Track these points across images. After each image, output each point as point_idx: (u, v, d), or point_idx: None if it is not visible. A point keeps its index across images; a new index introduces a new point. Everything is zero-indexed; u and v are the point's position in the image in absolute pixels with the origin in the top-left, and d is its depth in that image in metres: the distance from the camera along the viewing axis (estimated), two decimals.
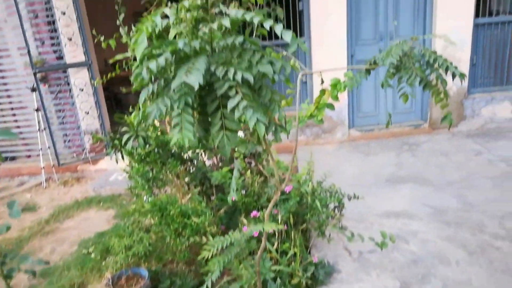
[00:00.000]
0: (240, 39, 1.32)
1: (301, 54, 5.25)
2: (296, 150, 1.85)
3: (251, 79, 1.26)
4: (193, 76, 1.17)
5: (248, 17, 1.29)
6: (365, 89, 5.39)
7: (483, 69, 5.35)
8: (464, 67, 5.06)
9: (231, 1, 1.80)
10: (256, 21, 1.28)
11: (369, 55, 5.25)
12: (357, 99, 5.46)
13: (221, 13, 1.43)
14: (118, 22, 3.32)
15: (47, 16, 4.94)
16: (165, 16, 1.41)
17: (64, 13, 4.85)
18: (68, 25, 4.93)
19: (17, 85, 5.40)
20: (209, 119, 1.37)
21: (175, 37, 1.40)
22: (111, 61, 3.03)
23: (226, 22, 1.28)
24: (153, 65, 1.22)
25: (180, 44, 1.24)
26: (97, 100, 5.30)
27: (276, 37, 5.14)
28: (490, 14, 5.24)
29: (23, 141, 5.62)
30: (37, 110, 5.15)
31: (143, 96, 1.37)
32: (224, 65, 1.28)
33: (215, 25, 1.28)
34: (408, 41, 1.74)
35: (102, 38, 3.37)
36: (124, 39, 3.38)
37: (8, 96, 5.50)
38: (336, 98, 2.69)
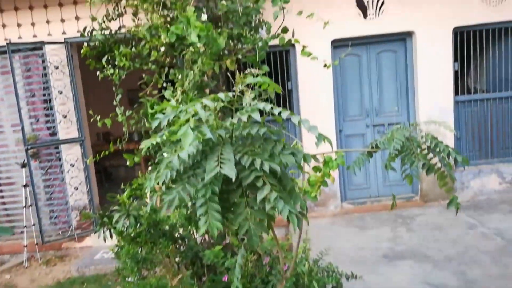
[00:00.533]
0: (263, 129, 1.35)
1: (291, 129, 5.39)
2: (290, 227, 1.81)
3: (278, 169, 1.26)
4: (227, 167, 1.17)
5: (276, 111, 1.33)
6: None
7: (467, 143, 5.53)
8: (449, 141, 5.22)
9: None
10: (284, 115, 1.32)
11: (356, 130, 5.46)
12: (348, 172, 5.51)
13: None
14: (114, 102, 3.43)
15: (44, 94, 5.08)
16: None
17: (61, 92, 4.99)
18: (64, 103, 5.06)
19: (7, 161, 5.37)
20: (231, 207, 1.35)
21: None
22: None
23: (256, 116, 1.31)
24: (184, 154, 1.22)
25: (208, 133, 1.26)
26: (88, 175, 5.25)
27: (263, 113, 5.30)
28: (469, 92, 5.55)
29: (8, 217, 5.44)
30: (26, 186, 5.08)
31: (151, 181, 1.34)
32: (248, 154, 1.29)
33: (245, 117, 1.31)
34: (408, 127, 1.81)
35: (98, 117, 3.44)
36: (119, 118, 3.47)
37: None
38: (328, 175, 2.71)
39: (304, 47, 3.84)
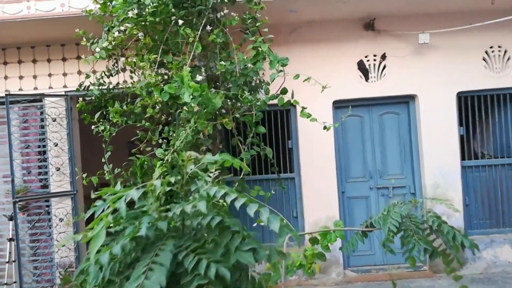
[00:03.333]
0: (217, 219, 1.16)
1: (291, 190, 5.18)
2: None
3: (227, 275, 1.03)
4: (154, 277, 0.95)
5: (228, 199, 1.15)
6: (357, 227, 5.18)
7: (477, 210, 5.25)
8: (458, 207, 4.95)
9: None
10: (238, 205, 1.13)
11: (359, 192, 5.23)
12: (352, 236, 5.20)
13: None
14: (103, 159, 3.30)
15: (39, 146, 4.99)
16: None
17: (56, 144, 4.90)
18: (58, 156, 4.94)
19: None
20: None
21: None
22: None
23: (202, 206, 1.12)
24: (104, 258, 1.01)
25: (142, 230, 1.06)
26: (77, 231, 5.01)
27: (264, 172, 5.14)
28: (476, 157, 5.36)
29: None
30: (11, 239, 4.82)
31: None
32: (195, 252, 1.07)
33: (188, 208, 1.11)
34: (407, 204, 1.61)
35: (84, 175, 3.29)
36: (106, 176, 3.32)
37: None
38: (327, 248, 2.47)
39: (303, 108, 3.75)
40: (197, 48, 2.92)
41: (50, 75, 5.04)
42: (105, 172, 3.27)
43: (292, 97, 3.76)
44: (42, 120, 5.01)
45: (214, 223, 1.12)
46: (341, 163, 5.19)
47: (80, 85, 3.63)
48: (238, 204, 1.11)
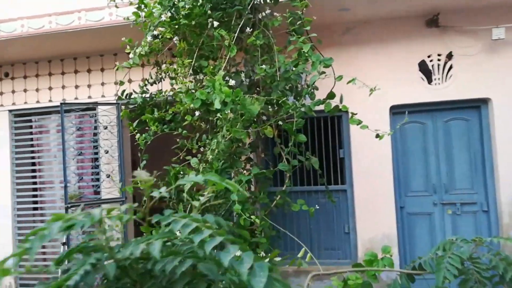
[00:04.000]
0: (187, 263, 0.89)
1: (342, 203, 4.78)
2: None
3: None
4: None
5: (197, 238, 0.88)
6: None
7: None
8: None
9: None
10: (208, 248, 0.87)
11: (421, 208, 4.68)
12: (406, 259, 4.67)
13: None
14: (138, 169, 3.22)
15: (92, 153, 5.12)
16: None
17: (107, 152, 4.99)
18: (109, 163, 5.03)
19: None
20: None
21: None
22: None
23: (155, 249, 0.86)
24: None
25: (74, 278, 0.84)
26: (125, 236, 5.05)
27: (313, 183, 4.81)
28: None
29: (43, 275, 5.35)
30: (64, 244, 4.99)
31: None
32: None
33: (137, 250, 0.86)
34: (470, 244, 1.25)
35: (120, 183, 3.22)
36: (141, 186, 3.23)
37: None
38: (374, 278, 2.12)
39: (352, 114, 3.39)
40: (231, 51, 2.72)
41: (103, 84, 5.17)
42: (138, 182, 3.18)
43: (341, 102, 3.42)
44: (95, 128, 5.15)
45: (181, 269, 0.86)
46: (400, 175, 4.70)
47: (123, 93, 3.62)
48: (208, 247, 0.84)
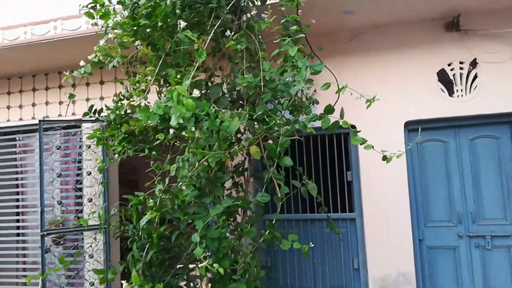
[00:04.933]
0: None
1: (351, 234, 4.14)
2: None
3: None
4: None
5: None
6: None
7: None
8: None
9: None
10: None
11: (444, 241, 3.97)
12: None
13: None
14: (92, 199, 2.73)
15: (77, 175, 4.70)
16: None
17: (89, 173, 4.55)
18: (91, 186, 4.58)
19: (36, 244, 4.97)
20: None
21: None
22: None
23: None
24: None
25: None
26: (107, 268, 4.54)
27: (315, 209, 4.21)
28: None
29: None
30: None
31: None
32: None
33: None
34: None
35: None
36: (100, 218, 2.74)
37: (24, 255, 5.07)
38: None
39: (355, 132, 2.83)
40: (199, 56, 2.22)
41: (87, 99, 4.78)
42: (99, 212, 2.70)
43: (341, 117, 2.85)
44: (80, 147, 4.73)
45: None
46: (418, 202, 4.04)
47: (90, 109, 3.16)
48: None
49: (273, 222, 2.99)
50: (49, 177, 4.48)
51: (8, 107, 5.03)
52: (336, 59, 4.13)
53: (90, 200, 4.58)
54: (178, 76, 2.33)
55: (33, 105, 4.95)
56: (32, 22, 3.95)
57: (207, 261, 2.07)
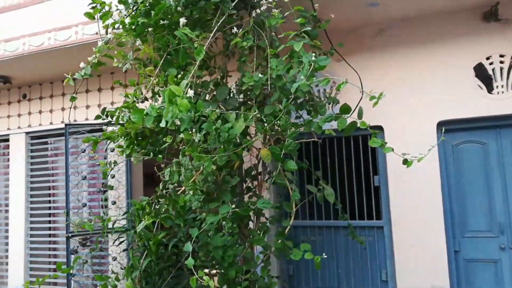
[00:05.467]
0: None
1: (379, 243, 3.86)
2: None
3: None
4: None
5: None
6: None
7: None
8: None
9: None
10: None
11: (484, 253, 3.59)
12: None
13: None
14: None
15: (99, 178, 4.76)
16: None
17: (113, 176, 4.57)
18: (116, 189, 4.61)
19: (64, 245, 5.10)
20: None
21: None
22: None
23: None
24: None
25: None
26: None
27: (355, 216, 3.97)
28: None
29: None
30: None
31: None
32: None
33: None
34: None
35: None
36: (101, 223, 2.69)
37: (55, 256, 5.21)
38: None
39: (374, 133, 2.60)
40: (197, 54, 2.10)
41: (112, 103, 4.83)
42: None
43: (360, 117, 2.63)
44: (106, 150, 4.79)
45: None
46: (454, 210, 3.68)
47: (102, 112, 3.14)
48: None
49: (286, 229, 2.82)
50: (75, 179, 4.57)
51: (40, 112, 5.20)
52: (361, 57, 3.87)
53: (114, 203, 4.61)
54: (180, 76, 2.22)
55: (63, 109, 5.08)
56: (55, 28, 4.04)
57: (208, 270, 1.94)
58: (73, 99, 2.64)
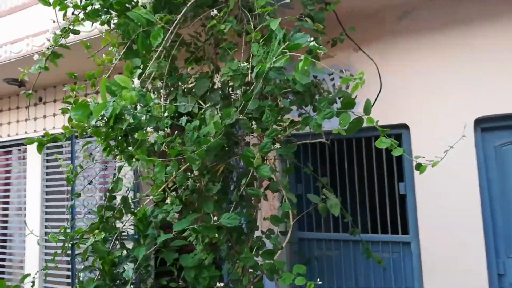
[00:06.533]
0: None
1: (406, 262, 3.30)
2: None
3: None
4: None
5: None
6: None
7: None
8: None
9: None
10: None
11: None
12: None
13: None
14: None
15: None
16: None
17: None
18: (124, 193, 4.40)
19: None
20: None
21: None
22: None
23: None
24: None
25: None
26: None
27: (377, 230, 3.47)
28: None
29: None
30: None
31: None
32: None
33: None
34: None
35: None
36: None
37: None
38: None
39: (383, 132, 2.14)
40: (154, 38, 1.75)
41: None
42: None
43: (367, 112, 2.17)
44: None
45: None
46: (497, 224, 3.06)
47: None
48: None
49: (281, 245, 2.40)
50: (80, 184, 4.42)
51: (54, 115, 5.14)
52: (382, 43, 3.37)
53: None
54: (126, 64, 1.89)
55: None
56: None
57: None
58: (29, 96, 2.40)
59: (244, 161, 1.89)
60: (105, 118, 1.65)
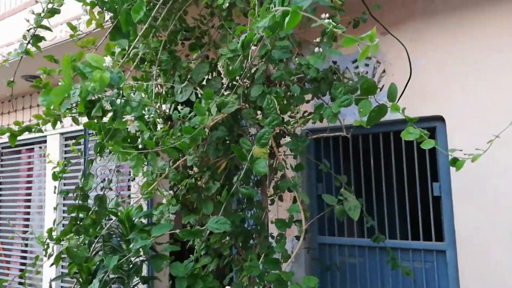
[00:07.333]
0: None
1: (441, 271, 2.91)
2: None
3: None
4: None
5: None
6: None
7: None
8: None
9: None
10: None
11: None
12: None
13: None
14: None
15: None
16: None
17: (133, 179, 4.25)
18: (137, 192, 4.26)
19: None
20: None
21: None
22: None
23: None
24: None
25: None
26: None
27: (407, 236, 3.10)
28: None
29: None
30: None
31: None
32: None
33: None
34: None
35: None
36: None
37: None
38: None
39: (410, 121, 1.80)
40: (135, 11, 1.50)
41: None
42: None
43: (391, 98, 1.84)
44: None
45: None
46: None
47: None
48: None
49: (292, 254, 2.11)
50: (94, 182, 4.28)
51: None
52: (414, 23, 2.99)
53: None
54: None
55: None
56: (66, 19, 3.77)
57: None
58: (10, 83, 2.23)
59: (236, 154, 1.60)
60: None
